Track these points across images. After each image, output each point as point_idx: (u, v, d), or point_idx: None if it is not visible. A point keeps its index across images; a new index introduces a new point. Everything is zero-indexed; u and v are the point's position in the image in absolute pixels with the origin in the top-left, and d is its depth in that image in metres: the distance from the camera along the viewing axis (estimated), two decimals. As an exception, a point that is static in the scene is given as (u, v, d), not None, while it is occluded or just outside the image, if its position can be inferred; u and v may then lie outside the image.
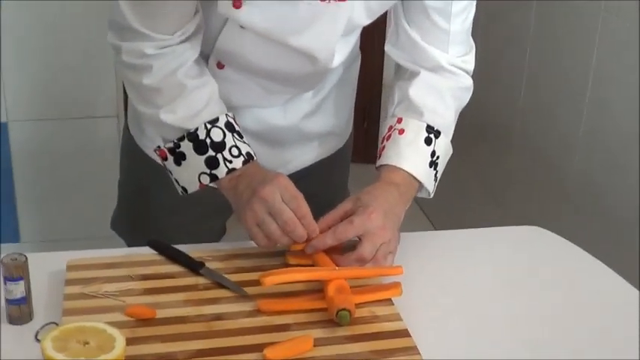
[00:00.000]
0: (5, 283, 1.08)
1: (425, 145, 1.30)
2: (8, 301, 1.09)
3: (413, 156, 1.29)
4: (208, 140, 1.21)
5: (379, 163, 1.30)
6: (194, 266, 1.19)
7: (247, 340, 1.04)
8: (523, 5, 2.29)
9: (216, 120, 1.23)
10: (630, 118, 1.86)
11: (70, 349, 0.96)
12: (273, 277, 1.10)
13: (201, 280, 1.17)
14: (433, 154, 1.30)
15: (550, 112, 2.21)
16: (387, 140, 1.32)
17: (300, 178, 1.44)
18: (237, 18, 1.19)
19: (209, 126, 1.22)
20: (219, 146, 1.22)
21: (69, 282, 1.15)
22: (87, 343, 0.97)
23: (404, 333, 1.07)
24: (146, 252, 1.24)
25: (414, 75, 1.34)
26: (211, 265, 1.20)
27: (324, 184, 1.48)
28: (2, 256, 1.09)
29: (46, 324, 1.09)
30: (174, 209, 1.45)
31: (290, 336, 1.05)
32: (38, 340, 1.06)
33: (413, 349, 1.04)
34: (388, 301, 1.13)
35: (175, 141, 1.23)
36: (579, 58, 2.05)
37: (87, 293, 1.13)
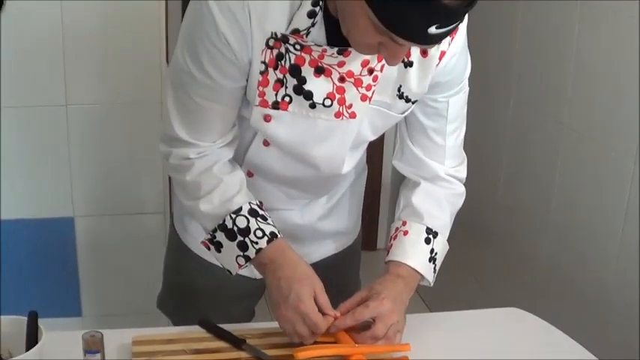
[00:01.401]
0: (85, 355, 1.15)
1: (425, 244, 1.39)
2: (87, 371, 1.16)
3: (415, 253, 1.37)
4: (235, 228, 1.27)
5: (388, 258, 1.39)
6: (237, 342, 1.25)
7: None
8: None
9: (240, 209, 1.28)
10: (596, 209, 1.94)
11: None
12: (305, 352, 1.18)
13: (243, 355, 1.23)
14: (432, 251, 1.38)
15: (524, 207, 2.30)
16: (394, 240, 1.41)
17: (316, 269, 1.51)
18: (265, 130, 1.27)
19: (234, 216, 1.28)
20: (245, 231, 1.27)
21: (135, 354, 1.22)
22: (155, 406, 1.04)
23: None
24: (197, 330, 1.31)
25: (416, 185, 1.44)
26: (251, 341, 1.27)
27: (337, 274, 1.55)
28: (82, 333, 1.16)
29: (118, 389, 1.16)
30: (211, 293, 1.51)
31: (318, 402, 1.12)
32: (111, 403, 1.13)
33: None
34: (399, 372, 1.21)
35: (211, 233, 1.30)
36: (546, 153, 2.15)
37: (149, 364, 1.20)
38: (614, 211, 1.84)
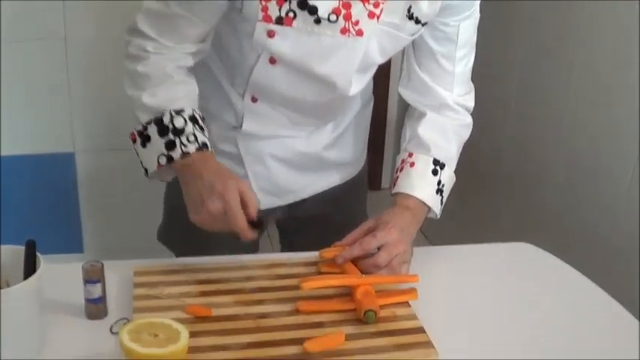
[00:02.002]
0: (85, 285, 1.12)
1: (432, 175, 1.34)
2: (87, 300, 1.12)
3: (422, 185, 1.33)
4: (170, 126, 1.21)
5: (394, 191, 1.34)
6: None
7: (289, 335, 1.07)
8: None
9: (182, 110, 1.22)
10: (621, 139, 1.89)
11: (143, 340, 0.99)
12: (311, 283, 1.14)
13: (248, 285, 1.20)
14: (439, 183, 1.34)
15: (533, 140, 2.24)
16: (400, 172, 1.36)
17: (320, 201, 1.47)
18: (269, 46, 1.22)
19: (174, 113, 1.21)
20: (179, 132, 1.21)
21: (137, 285, 1.18)
22: (156, 335, 1.00)
23: (420, 330, 1.10)
24: (200, 261, 1.27)
25: (422, 115, 1.38)
26: (255, 272, 1.23)
27: (341, 208, 1.52)
28: (82, 263, 1.12)
29: (119, 319, 1.12)
30: None
31: (325, 332, 1.08)
32: (112, 333, 1.09)
33: (428, 344, 1.07)
34: (406, 304, 1.16)
35: (144, 124, 1.23)
36: (560, 82, 2.09)
37: (152, 295, 1.16)
38: (627, 144, 1.79)
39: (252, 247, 1.56)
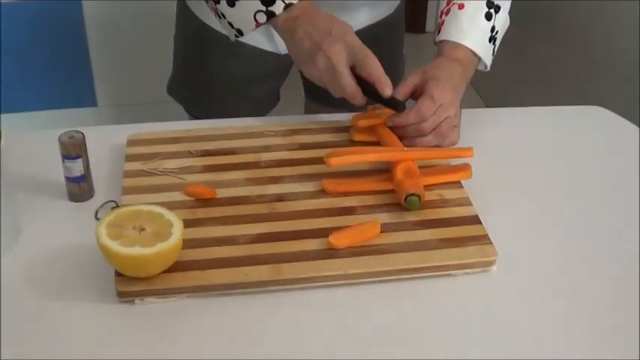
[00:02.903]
0: (64, 161, 0.90)
1: (485, 20, 1.05)
2: (67, 179, 0.91)
3: (474, 32, 1.04)
4: None
5: (440, 38, 1.06)
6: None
7: (311, 224, 0.85)
8: None
9: None
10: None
11: (125, 237, 0.77)
12: (339, 159, 0.90)
13: (263, 157, 0.97)
14: (492, 29, 1.05)
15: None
16: (447, 15, 1.07)
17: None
18: None
19: None
20: None
21: (129, 158, 0.96)
22: (143, 229, 0.79)
23: (474, 220, 0.86)
24: (208, 125, 1.04)
25: None
26: (273, 140, 1.00)
27: (375, 50, 1.26)
28: (60, 133, 0.90)
29: (106, 202, 0.91)
30: (227, 73, 1.24)
31: (356, 220, 0.85)
32: (97, 219, 0.89)
33: (484, 238, 0.83)
34: (457, 184, 0.92)
35: None
36: None
37: (146, 170, 0.94)
38: None
39: (273, 99, 1.32)
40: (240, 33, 1.04)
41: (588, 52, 2.01)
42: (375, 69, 0.95)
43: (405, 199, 0.86)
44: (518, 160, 1.01)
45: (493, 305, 0.79)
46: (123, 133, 1.02)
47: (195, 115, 1.30)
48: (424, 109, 0.95)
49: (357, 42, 0.97)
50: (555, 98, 2.01)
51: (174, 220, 0.79)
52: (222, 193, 0.90)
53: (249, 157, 0.96)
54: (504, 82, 2.30)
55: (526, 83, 2.32)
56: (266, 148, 0.98)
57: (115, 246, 0.76)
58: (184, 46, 1.30)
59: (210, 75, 1.26)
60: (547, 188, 0.96)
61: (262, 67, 1.24)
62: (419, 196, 0.86)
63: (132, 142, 0.99)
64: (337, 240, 0.81)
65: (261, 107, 1.30)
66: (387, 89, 0.95)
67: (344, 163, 0.90)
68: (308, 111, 1.40)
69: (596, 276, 0.83)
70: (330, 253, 0.81)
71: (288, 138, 1.00)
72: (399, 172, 0.89)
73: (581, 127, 1.11)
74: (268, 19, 0.99)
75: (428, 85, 0.97)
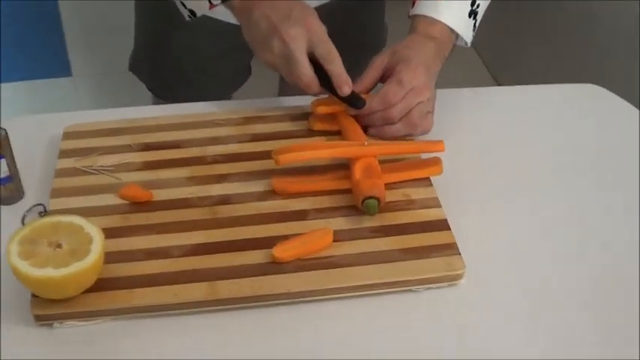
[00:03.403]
0: (-18, 162, 0.80)
1: None
2: (-9, 181, 0.82)
3: (451, 6, 0.91)
4: None
5: (414, 12, 0.93)
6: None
7: (255, 232, 0.74)
8: None
9: None
10: None
11: (37, 255, 0.67)
12: (287, 156, 0.78)
13: (210, 151, 0.86)
14: (473, 2, 0.92)
15: None
16: None
17: (328, 13, 1.08)
18: None
19: None
20: None
21: (63, 153, 0.85)
22: (59, 245, 0.69)
23: (442, 225, 0.75)
24: (155, 113, 0.93)
25: None
26: (223, 131, 0.89)
27: (354, 22, 1.14)
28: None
29: (33, 206, 0.81)
30: (193, 48, 1.13)
31: (307, 226, 0.75)
32: (24, 224, 0.79)
33: (452, 247, 0.73)
34: (426, 182, 0.81)
35: None
36: None
37: (80, 168, 0.84)
38: None
39: (243, 73, 1.21)
40: (193, 14, 0.93)
41: (589, 25, 1.86)
42: (335, 66, 0.84)
43: (362, 202, 0.75)
44: (500, 148, 0.89)
45: (462, 324, 0.69)
46: (62, 122, 0.92)
47: (158, 95, 1.20)
48: (390, 95, 0.83)
49: (319, 29, 0.85)
50: (558, 75, 1.87)
51: (95, 233, 0.69)
52: (160, 194, 0.79)
53: (195, 151, 0.85)
54: (512, 57, 2.15)
55: (535, 59, 2.17)
56: (214, 140, 0.87)
57: (24, 267, 0.66)
58: (144, 19, 1.18)
59: (173, 51, 1.15)
60: (532, 181, 0.85)
61: (229, 41, 1.11)
62: (378, 200, 0.75)
63: (68, 135, 0.88)
64: (282, 252, 0.71)
65: (230, 84, 1.19)
66: (344, 88, 0.84)
67: (293, 161, 0.79)
68: (282, 86, 1.29)
69: (588, 289, 0.73)
70: (274, 267, 0.70)
71: (241, 128, 0.89)
72: (357, 171, 0.77)
73: (574, 108, 0.98)
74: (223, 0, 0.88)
75: (397, 68, 0.85)
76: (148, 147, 0.86)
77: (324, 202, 0.78)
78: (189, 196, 0.79)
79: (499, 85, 2.18)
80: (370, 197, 0.74)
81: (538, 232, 0.78)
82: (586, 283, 0.73)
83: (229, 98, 1.22)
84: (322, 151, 0.79)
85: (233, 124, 0.89)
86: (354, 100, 0.84)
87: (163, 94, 1.18)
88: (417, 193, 0.79)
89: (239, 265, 0.71)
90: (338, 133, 0.86)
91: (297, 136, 0.87)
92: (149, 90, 1.20)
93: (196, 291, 0.69)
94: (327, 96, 0.87)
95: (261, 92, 1.06)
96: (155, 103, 1.20)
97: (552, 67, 2.02)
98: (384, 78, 0.87)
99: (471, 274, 0.72)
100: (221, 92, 1.16)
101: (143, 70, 1.21)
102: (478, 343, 0.67)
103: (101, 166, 0.84)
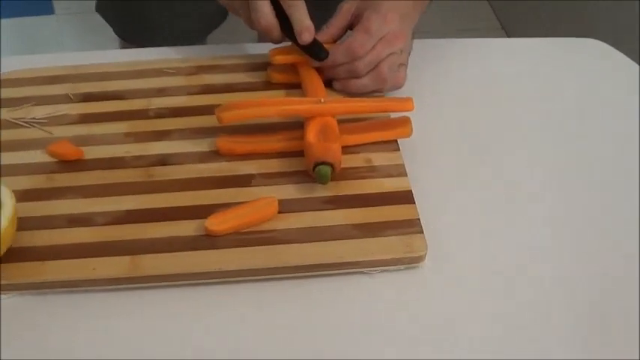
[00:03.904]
0: None
1: None
2: None
3: None
4: None
5: None
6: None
7: (192, 199, 0.65)
8: None
9: None
10: None
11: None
12: (232, 113, 0.68)
13: (154, 103, 0.76)
14: None
15: None
16: None
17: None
18: None
19: None
20: None
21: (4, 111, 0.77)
22: (-34, 209, 0.61)
23: (405, 197, 0.65)
24: (101, 61, 0.82)
25: None
26: (172, 81, 0.79)
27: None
28: None
29: (-45, 162, 0.73)
30: None
31: (250, 194, 0.65)
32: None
33: (414, 223, 0.62)
34: (393, 145, 0.70)
35: None
36: None
37: (10, 120, 0.75)
38: None
39: (217, 16, 1.10)
40: None
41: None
42: (295, 10, 0.73)
43: (314, 168, 0.65)
44: (484, 107, 0.78)
45: (422, 312, 0.60)
46: (9, 67, 0.82)
47: (126, 40, 1.10)
48: (356, 45, 0.72)
49: None
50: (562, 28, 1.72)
51: (7, 199, 0.61)
52: (92, 152, 0.70)
53: (138, 104, 0.75)
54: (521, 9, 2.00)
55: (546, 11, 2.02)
56: (161, 92, 0.77)
57: None
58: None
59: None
60: (515, 145, 0.74)
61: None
62: (332, 166, 0.65)
63: (6, 82, 0.79)
64: (216, 225, 0.61)
65: (203, 28, 1.08)
66: (305, 35, 0.73)
67: (238, 119, 0.69)
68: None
69: (574, 277, 0.63)
70: (207, 241, 0.61)
71: (192, 78, 0.78)
72: (310, 132, 0.67)
73: (569, 62, 0.86)
74: None
75: (365, 14, 0.74)
76: (87, 97, 0.77)
77: (274, 165, 0.68)
78: (124, 154, 0.70)
79: (508, 37, 2.04)
80: (323, 163, 0.64)
81: (523, 205, 0.68)
82: (572, 271, 0.63)
83: (204, 43, 1.12)
84: (270, 108, 0.69)
85: (184, 73, 0.79)
86: (316, 51, 0.74)
87: (132, 40, 1.09)
88: (380, 159, 0.68)
89: (168, 237, 0.62)
90: (299, 87, 0.76)
91: (253, 89, 0.76)
92: (116, 34, 1.10)
93: (117, 266, 0.60)
94: (289, 44, 0.77)
95: (241, 38, 0.96)
96: (123, 47, 1.11)
97: (564, 20, 1.88)
98: (353, 26, 0.76)
99: (435, 255, 0.62)
100: (194, 36, 1.07)
101: (109, 13, 1.10)
102: (438, 333, 0.58)
103: (33, 118, 0.75)
